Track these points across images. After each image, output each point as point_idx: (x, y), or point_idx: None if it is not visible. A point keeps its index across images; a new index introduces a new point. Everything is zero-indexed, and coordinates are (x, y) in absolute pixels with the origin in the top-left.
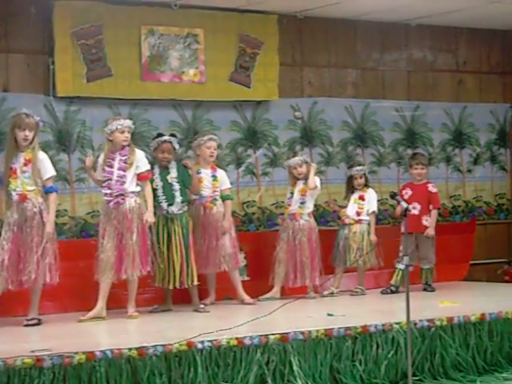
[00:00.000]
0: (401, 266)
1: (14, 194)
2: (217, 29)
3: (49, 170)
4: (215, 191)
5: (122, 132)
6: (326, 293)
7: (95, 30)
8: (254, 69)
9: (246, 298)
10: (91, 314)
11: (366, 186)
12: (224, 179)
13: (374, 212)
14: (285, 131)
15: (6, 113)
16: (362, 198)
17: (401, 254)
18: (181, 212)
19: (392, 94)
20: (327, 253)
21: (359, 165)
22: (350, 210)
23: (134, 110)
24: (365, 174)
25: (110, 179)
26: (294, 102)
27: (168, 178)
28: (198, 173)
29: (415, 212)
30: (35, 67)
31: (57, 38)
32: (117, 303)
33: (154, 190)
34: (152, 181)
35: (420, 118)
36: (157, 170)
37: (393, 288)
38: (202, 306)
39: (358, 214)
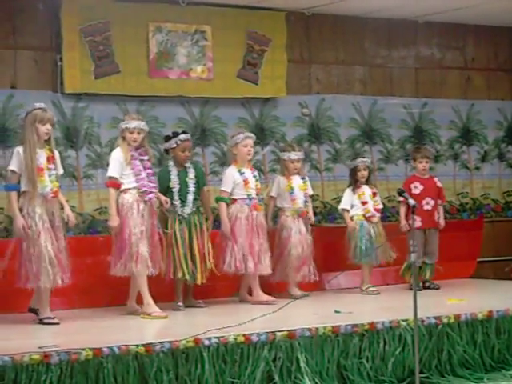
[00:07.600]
0: (428, 261)
1: (47, 191)
2: (225, 26)
3: (61, 167)
4: (259, 192)
5: (132, 133)
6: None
7: (103, 26)
8: (261, 66)
9: (248, 297)
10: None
11: (368, 181)
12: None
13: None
14: (292, 128)
15: (14, 109)
16: (375, 194)
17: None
18: (193, 210)
19: (400, 91)
20: (337, 249)
21: (364, 157)
22: (370, 207)
23: (142, 106)
24: (369, 168)
25: (141, 174)
26: (301, 99)
27: (186, 179)
28: (242, 173)
29: (428, 208)
30: (43, 64)
31: (65, 34)
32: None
33: (170, 189)
34: (169, 179)
35: (428, 115)
36: (174, 170)
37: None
38: (181, 303)
39: (377, 210)
